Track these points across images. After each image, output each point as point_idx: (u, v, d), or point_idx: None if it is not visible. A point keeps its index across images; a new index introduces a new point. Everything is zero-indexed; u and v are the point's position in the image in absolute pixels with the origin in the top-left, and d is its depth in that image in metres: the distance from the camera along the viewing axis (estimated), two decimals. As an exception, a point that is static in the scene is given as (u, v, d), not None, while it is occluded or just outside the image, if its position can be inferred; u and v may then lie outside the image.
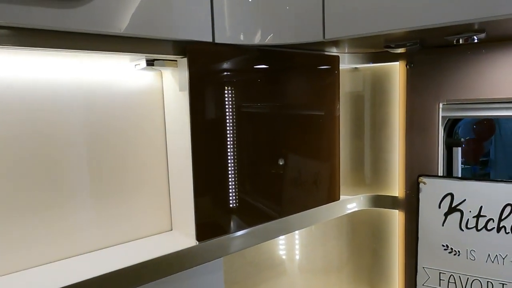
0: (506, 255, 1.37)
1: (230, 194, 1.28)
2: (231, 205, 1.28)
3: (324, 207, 1.57)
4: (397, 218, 1.65)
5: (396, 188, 1.65)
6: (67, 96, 1.09)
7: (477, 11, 0.97)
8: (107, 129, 1.17)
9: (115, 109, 1.18)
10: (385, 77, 1.66)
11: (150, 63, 1.17)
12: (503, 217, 1.37)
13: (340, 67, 1.57)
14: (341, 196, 1.64)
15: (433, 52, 1.48)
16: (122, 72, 1.20)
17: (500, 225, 1.38)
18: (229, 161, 1.26)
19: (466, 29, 1.13)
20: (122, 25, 0.96)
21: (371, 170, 1.72)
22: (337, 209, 1.63)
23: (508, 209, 1.37)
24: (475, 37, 1.18)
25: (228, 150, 1.25)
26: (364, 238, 1.79)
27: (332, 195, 1.60)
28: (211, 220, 1.24)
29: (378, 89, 1.68)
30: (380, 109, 1.68)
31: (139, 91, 1.24)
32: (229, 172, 1.26)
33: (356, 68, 1.69)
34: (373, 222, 1.75)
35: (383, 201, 1.68)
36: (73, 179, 1.11)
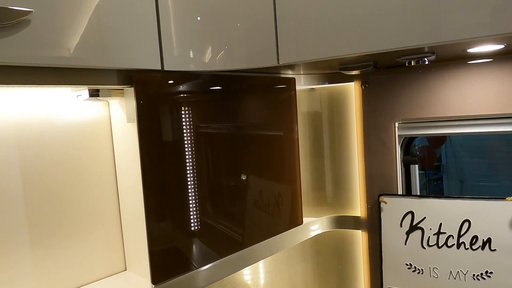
0: (467, 270, 1.38)
1: (190, 227, 1.20)
2: (191, 239, 1.21)
3: (288, 232, 1.52)
4: (360, 239, 1.64)
5: (358, 208, 1.63)
6: (-2, 134, 0.98)
7: (427, 37, 0.98)
8: (47, 167, 1.07)
9: (55, 144, 1.08)
10: (342, 96, 1.66)
11: (94, 93, 1.08)
12: (461, 233, 1.39)
13: (296, 88, 1.55)
14: (304, 219, 1.60)
15: (387, 72, 1.50)
16: (62, 103, 1.10)
17: (460, 241, 1.39)
18: (187, 193, 1.18)
19: (417, 51, 1.14)
20: (57, 56, 0.87)
21: (332, 190, 1.71)
22: (301, 233, 1.59)
23: (466, 225, 1.38)
24: (426, 59, 1.19)
25: (186, 182, 1.18)
26: (329, 260, 1.76)
27: (295, 220, 1.56)
28: (169, 258, 1.16)
29: (335, 108, 1.68)
30: (338, 128, 1.68)
31: (83, 123, 1.15)
32: (188, 204, 1.19)
33: (312, 88, 1.68)
34: (337, 243, 1.73)
35: (345, 222, 1.66)
36: (8, 225, 0.99)
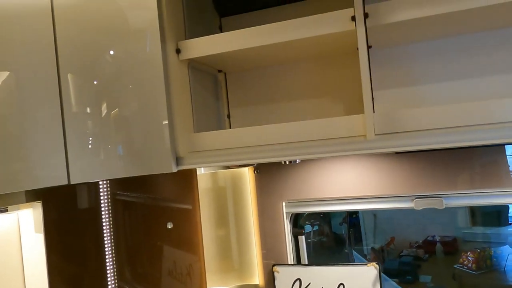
0: (345, 325, 1.66)
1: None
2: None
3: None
4: (264, 305, 1.86)
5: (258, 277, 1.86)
6: None
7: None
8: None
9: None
10: (240, 178, 1.91)
11: (3, 209, 1.18)
12: (338, 294, 1.68)
13: (198, 173, 1.77)
14: (211, 289, 1.78)
15: (274, 162, 1.78)
16: (-29, 220, 1.18)
17: (337, 301, 1.68)
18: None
19: (287, 157, 1.43)
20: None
21: (238, 258, 1.92)
22: (207, 305, 1.76)
23: (341, 287, 1.67)
24: (297, 159, 1.50)
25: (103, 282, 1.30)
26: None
27: (200, 293, 1.73)
28: None
29: (236, 187, 1.92)
30: (239, 204, 1.91)
31: (-9, 234, 1.22)
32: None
33: (215, 171, 1.91)
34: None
35: (242, 291, 1.88)
36: None
